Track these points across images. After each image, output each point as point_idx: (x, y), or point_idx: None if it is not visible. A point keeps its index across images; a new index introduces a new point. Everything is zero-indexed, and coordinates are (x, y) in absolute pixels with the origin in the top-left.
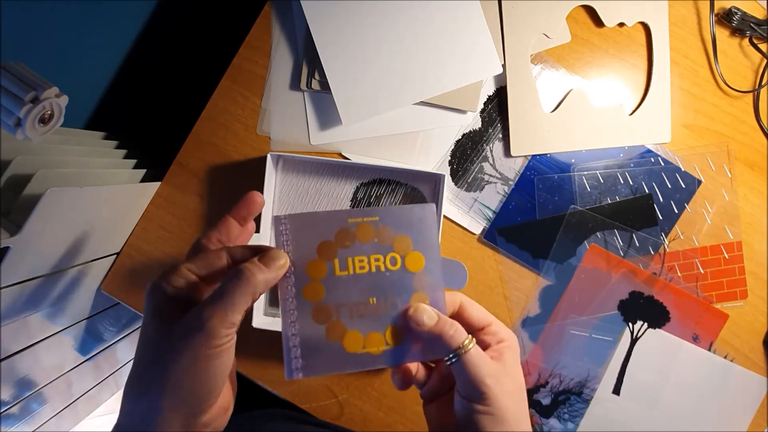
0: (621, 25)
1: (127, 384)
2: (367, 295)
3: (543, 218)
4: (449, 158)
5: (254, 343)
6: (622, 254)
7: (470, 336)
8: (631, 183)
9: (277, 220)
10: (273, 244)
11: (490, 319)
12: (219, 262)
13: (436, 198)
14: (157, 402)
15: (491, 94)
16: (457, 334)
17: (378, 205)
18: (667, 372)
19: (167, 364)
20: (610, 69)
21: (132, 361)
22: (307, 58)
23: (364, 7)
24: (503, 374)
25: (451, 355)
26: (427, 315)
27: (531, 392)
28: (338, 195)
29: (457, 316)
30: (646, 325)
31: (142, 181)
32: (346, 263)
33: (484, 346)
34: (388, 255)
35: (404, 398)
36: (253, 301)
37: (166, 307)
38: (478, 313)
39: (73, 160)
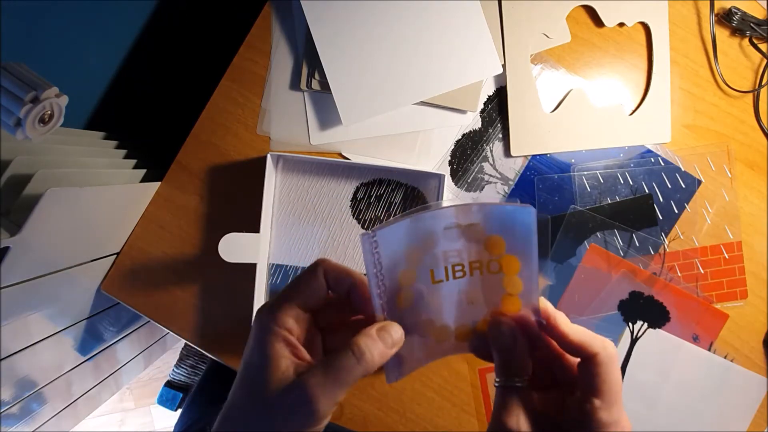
0: (621, 25)
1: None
2: (460, 300)
3: (543, 218)
4: (449, 158)
5: None
6: (622, 254)
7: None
8: (631, 183)
9: (364, 239)
10: (363, 265)
11: (594, 347)
12: (319, 286)
13: (437, 198)
14: None
15: (491, 94)
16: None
17: (378, 206)
18: (667, 372)
19: None
20: (610, 69)
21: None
22: (307, 58)
23: (364, 7)
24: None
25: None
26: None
27: None
28: (338, 195)
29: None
30: (646, 325)
31: (142, 181)
32: (442, 270)
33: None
34: (485, 260)
35: (404, 398)
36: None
37: (277, 354)
38: (576, 334)
39: (73, 160)
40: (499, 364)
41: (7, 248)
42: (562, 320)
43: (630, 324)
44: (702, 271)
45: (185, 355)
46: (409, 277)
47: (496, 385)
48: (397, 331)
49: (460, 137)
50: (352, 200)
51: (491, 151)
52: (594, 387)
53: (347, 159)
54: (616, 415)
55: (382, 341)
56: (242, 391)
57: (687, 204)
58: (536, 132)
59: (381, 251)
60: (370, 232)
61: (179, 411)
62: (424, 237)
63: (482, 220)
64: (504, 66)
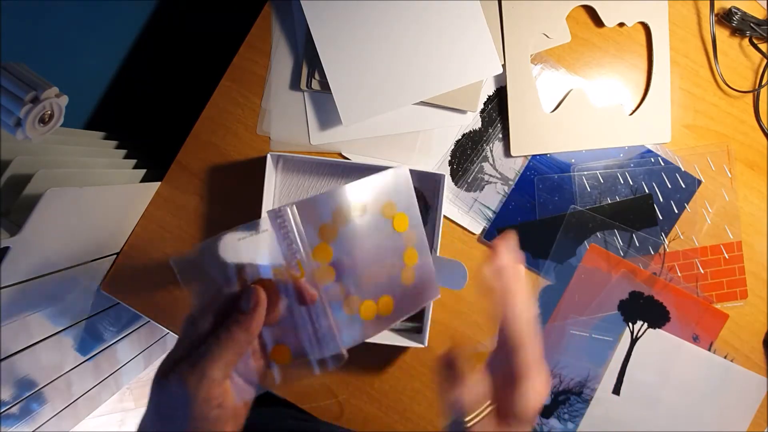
0: (621, 25)
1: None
2: (370, 264)
3: (543, 218)
4: (449, 158)
5: None
6: (622, 254)
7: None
8: (631, 183)
9: (272, 215)
10: (275, 239)
11: (525, 373)
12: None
13: (436, 198)
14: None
15: (491, 94)
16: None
17: None
18: (667, 372)
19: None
20: (610, 69)
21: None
22: (307, 58)
23: (364, 7)
24: None
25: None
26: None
27: None
28: None
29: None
30: (646, 325)
31: (142, 181)
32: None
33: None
34: (382, 221)
35: (404, 398)
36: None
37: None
38: (520, 358)
39: (73, 160)
40: (461, 405)
41: (7, 248)
42: None
43: (630, 324)
44: (702, 271)
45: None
46: (324, 253)
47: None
48: (256, 293)
49: (460, 137)
50: None
51: (491, 151)
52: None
53: (347, 159)
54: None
55: (246, 304)
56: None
57: (687, 204)
58: (536, 132)
59: (289, 226)
60: (274, 209)
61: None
62: (329, 213)
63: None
64: (504, 66)
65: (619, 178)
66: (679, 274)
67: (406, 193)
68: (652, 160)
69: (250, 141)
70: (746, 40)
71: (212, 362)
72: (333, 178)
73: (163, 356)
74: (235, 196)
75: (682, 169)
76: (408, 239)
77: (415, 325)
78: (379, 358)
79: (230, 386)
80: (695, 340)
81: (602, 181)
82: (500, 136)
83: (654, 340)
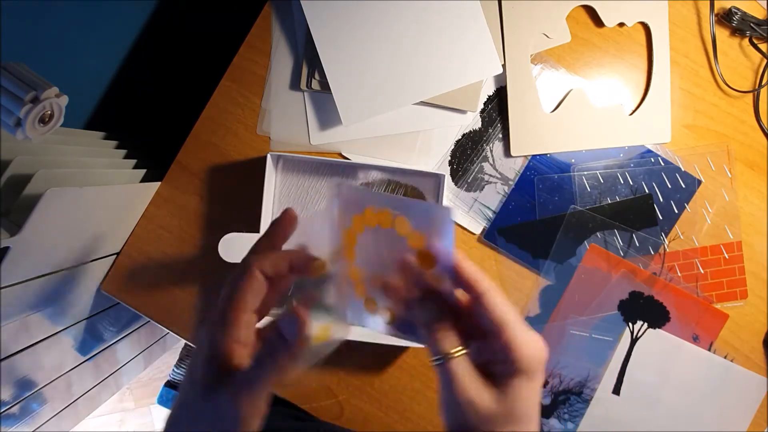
0: (621, 25)
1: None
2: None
3: (543, 218)
4: (449, 158)
5: None
6: (622, 254)
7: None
8: (631, 183)
9: (337, 187)
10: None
11: (507, 320)
12: (262, 291)
13: (436, 198)
14: None
15: (491, 94)
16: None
17: None
18: (667, 372)
19: None
20: (610, 69)
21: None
22: (307, 58)
23: (364, 7)
24: (497, 410)
25: (435, 358)
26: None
27: None
28: None
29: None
30: (646, 325)
31: (142, 181)
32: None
33: (486, 362)
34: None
35: (404, 398)
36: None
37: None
38: (497, 310)
39: (73, 160)
40: (435, 339)
41: (7, 248)
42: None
43: (630, 324)
44: (702, 271)
45: (185, 355)
46: (351, 238)
47: (437, 362)
48: (299, 317)
49: (460, 137)
50: None
51: (491, 151)
52: (501, 318)
53: (347, 159)
54: (529, 332)
55: (289, 331)
56: (184, 387)
57: (687, 204)
58: (536, 132)
59: (339, 201)
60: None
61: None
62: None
63: (407, 213)
64: (504, 66)
65: (619, 178)
66: (679, 274)
67: (443, 235)
68: (652, 160)
69: (250, 141)
70: (746, 40)
71: (263, 389)
72: (333, 178)
73: (163, 356)
74: (235, 196)
75: (682, 169)
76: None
77: None
78: (379, 358)
79: None
80: (695, 340)
81: (602, 181)
82: (500, 136)
83: (654, 340)
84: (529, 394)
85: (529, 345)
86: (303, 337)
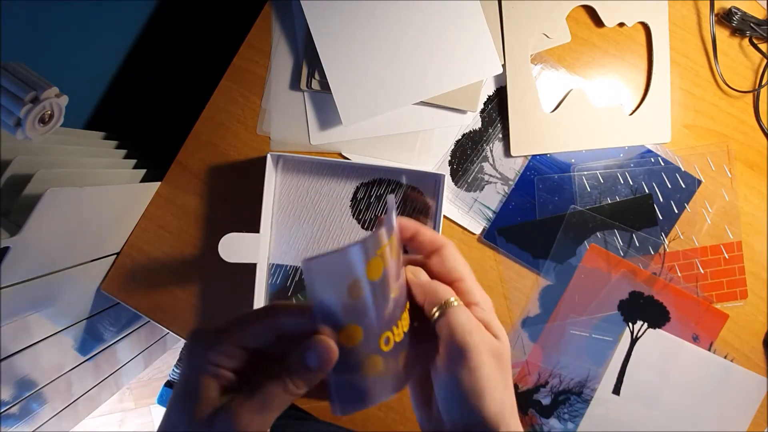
0: (621, 25)
1: None
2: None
3: (543, 218)
4: (449, 158)
5: None
6: (622, 254)
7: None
8: (631, 183)
9: (305, 266)
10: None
11: (462, 274)
12: (266, 338)
13: (436, 198)
14: None
15: (491, 94)
16: (441, 288)
17: (378, 206)
18: (667, 372)
19: None
20: (610, 69)
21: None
22: (307, 58)
23: (364, 7)
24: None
25: (435, 310)
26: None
27: (531, 392)
28: (338, 195)
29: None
30: (646, 325)
31: (142, 181)
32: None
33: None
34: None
35: (404, 398)
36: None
37: (200, 387)
38: (452, 263)
39: (73, 160)
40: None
41: (7, 248)
42: (419, 227)
43: (630, 324)
44: (702, 271)
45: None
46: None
47: (438, 314)
48: (326, 348)
49: (460, 137)
50: (352, 200)
51: (491, 151)
52: (456, 270)
53: (347, 159)
54: (481, 293)
55: (313, 361)
56: (173, 417)
57: (687, 204)
58: (536, 132)
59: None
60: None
61: None
62: (361, 267)
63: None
64: (504, 66)
65: (619, 178)
66: (679, 274)
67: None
68: (652, 160)
69: (250, 141)
70: (746, 40)
71: (270, 416)
72: (333, 178)
73: (163, 356)
74: (235, 196)
75: (682, 169)
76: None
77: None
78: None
79: None
80: (695, 340)
81: (602, 181)
82: (500, 136)
83: (654, 340)
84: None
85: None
86: (325, 369)
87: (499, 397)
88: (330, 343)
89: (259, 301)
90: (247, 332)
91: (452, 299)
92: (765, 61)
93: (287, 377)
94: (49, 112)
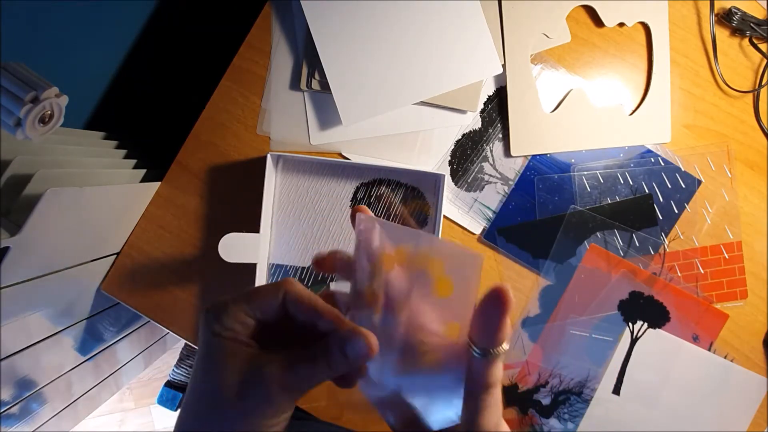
0: (621, 25)
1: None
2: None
3: (543, 218)
4: (449, 158)
5: None
6: (622, 254)
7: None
8: (631, 183)
9: (358, 219)
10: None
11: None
12: (275, 302)
13: (436, 198)
14: None
15: (491, 94)
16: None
17: (378, 206)
18: (667, 372)
19: None
20: (610, 69)
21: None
22: (307, 58)
23: (364, 7)
24: None
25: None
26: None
27: (531, 392)
28: (338, 195)
29: None
30: (646, 325)
31: (142, 181)
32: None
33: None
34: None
35: None
36: None
37: (221, 351)
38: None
39: (73, 160)
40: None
41: (7, 248)
42: None
43: (630, 324)
44: (702, 271)
45: (185, 355)
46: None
47: (479, 354)
48: (367, 344)
49: (460, 137)
50: (352, 200)
51: (491, 151)
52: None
53: (347, 159)
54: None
55: (348, 354)
56: (194, 396)
57: (687, 204)
58: (536, 132)
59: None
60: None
61: (179, 411)
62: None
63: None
64: (504, 66)
65: (619, 178)
66: (679, 274)
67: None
68: (652, 160)
69: (250, 141)
70: (746, 40)
71: (300, 393)
72: (333, 178)
73: (163, 356)
74: (235, 196)
75: (682, 169)
76: (446, 309)
77: None
78: None
79: None
80: (695, 340)
81: (602, 181)
82: (500, 136)
83: (654, 340)
84: None
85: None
86: (363, 364)
87: (495, 422)
88: (373, 339)
89: None
90: (256, 300)
91: (505, 345)
92: (765, 61)
93: (324, 359)
94: (49, 112)
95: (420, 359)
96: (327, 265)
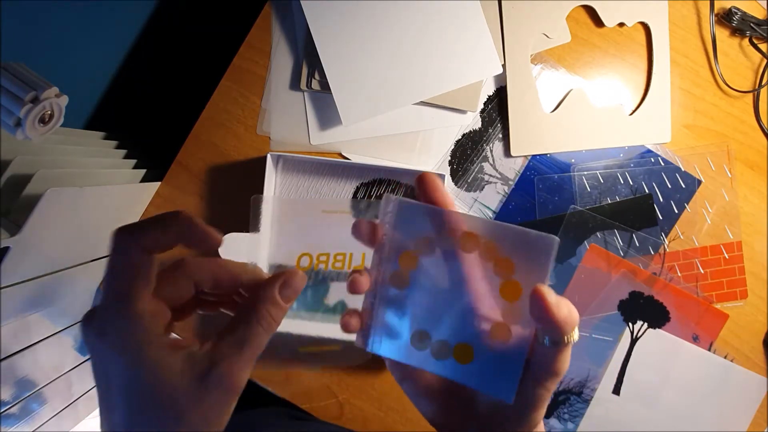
0: (621, 25)
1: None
2: (447, 305)
3: (543, 218)
4: (449, 158)
5: None
6: (622, 254)
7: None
8: (631, 183)
9: (386, 199)
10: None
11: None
12: (185, 293)
13: None
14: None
15: (491, 94)
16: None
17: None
18: (667, 372)
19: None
20: (610, 69)
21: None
22: (307, 58)
23: (364, 7)
24: None
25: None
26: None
27: None
28: (338, 195)
29: None
30: (646, 325)
31: (142, 181)
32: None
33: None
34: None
35: (404, 398)
36: None
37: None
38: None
39: (73, 160)
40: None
41: (7, 248)
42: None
43: (630, 324)
44: (702, 271)
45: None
46: (409, 262)
47: (548, 343)
48: (297, 281)
49: (460, 137)
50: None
51: (491, 151)
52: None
53: (347, 159)
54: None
55: (284, 301)
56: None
57: (687, 204)
58: (536, 132)
59: (395, 218)
60: (395, 197)
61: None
62: (436, 229)
63: (497, 239)
64: (504, 66)
65: (619, 178)
66: (679, 274)
67: (539, 269)
68: (652, 160)
69: (250, 141)
70: (746, 40)
71: (255, 359)
72: (333, 178)
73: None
74: (235, 196)
75: (682, 169)
76: (508, 314)
77: None
78: (380, 358)
79: None
80: (695, 340)
81: (602, 181)
82: (500, 136)
83: (654, 340)
84: None
85: None
86: (293, 295)
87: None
88: (300, 272)
89: None
90: (164, 286)
91: (575, 334)
92: (765, 61)
93: (263, 307)
94: (49, 112)
95: (481, 328)
96: (362, 230)
